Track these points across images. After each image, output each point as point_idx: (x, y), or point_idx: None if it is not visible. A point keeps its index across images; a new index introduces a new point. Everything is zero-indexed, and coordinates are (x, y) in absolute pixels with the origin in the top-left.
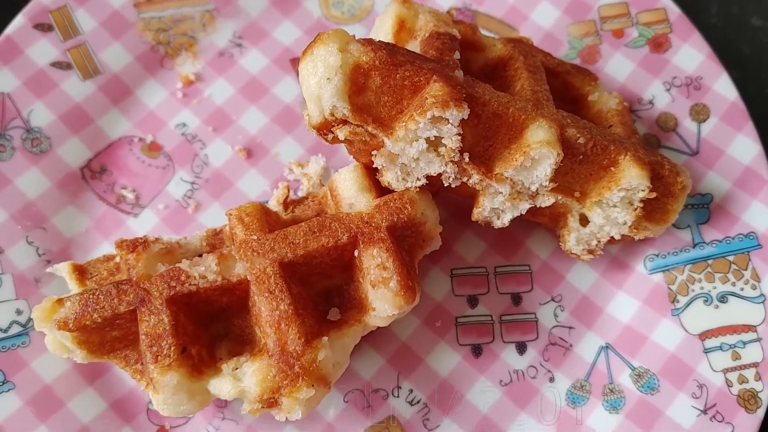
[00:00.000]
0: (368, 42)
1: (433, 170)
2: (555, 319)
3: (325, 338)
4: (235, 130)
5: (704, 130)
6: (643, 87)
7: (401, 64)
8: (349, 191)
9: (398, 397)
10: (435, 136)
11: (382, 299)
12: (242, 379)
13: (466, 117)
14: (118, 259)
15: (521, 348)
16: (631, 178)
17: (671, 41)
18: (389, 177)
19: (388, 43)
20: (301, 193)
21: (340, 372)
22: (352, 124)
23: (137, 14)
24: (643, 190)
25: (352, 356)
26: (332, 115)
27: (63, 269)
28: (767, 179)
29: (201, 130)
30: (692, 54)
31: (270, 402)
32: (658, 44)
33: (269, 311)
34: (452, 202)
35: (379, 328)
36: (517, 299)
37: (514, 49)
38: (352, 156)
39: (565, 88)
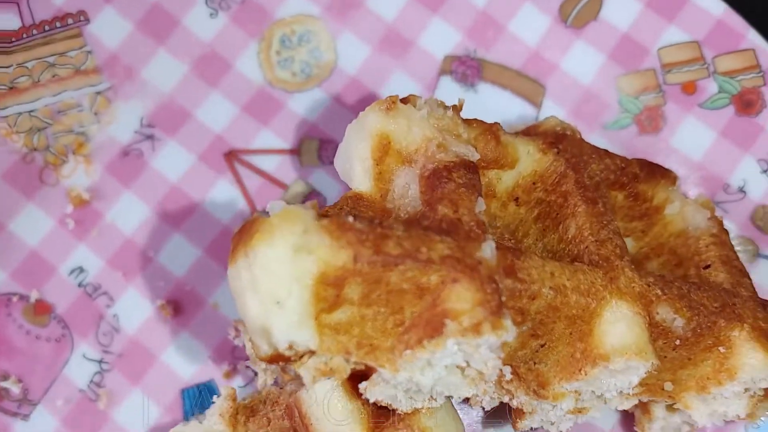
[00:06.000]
0: (338, 226)
1: (458, 394)
2: None
3: None
4: (155, 273)
5: None
6: (728, 167)
7: (397, 262)
8: (329, 423)
9: None
10: (463, 362)
11: None
12: None
13: (510, 339)
14: None
15: None
16: (753, 369)
17: (766, 98)
18: (386, 397)
19: (370, 220)
20: (258, 384)
21: None
22: (323, 355)
23: None
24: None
25: None
26: (291, 348)
27: None
28: None
29: (106, 276)
30: None
31: None
32: (748, 103)
33: None
34: None
35: None
36: None
37: (558, 160)
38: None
39: (634, 200)
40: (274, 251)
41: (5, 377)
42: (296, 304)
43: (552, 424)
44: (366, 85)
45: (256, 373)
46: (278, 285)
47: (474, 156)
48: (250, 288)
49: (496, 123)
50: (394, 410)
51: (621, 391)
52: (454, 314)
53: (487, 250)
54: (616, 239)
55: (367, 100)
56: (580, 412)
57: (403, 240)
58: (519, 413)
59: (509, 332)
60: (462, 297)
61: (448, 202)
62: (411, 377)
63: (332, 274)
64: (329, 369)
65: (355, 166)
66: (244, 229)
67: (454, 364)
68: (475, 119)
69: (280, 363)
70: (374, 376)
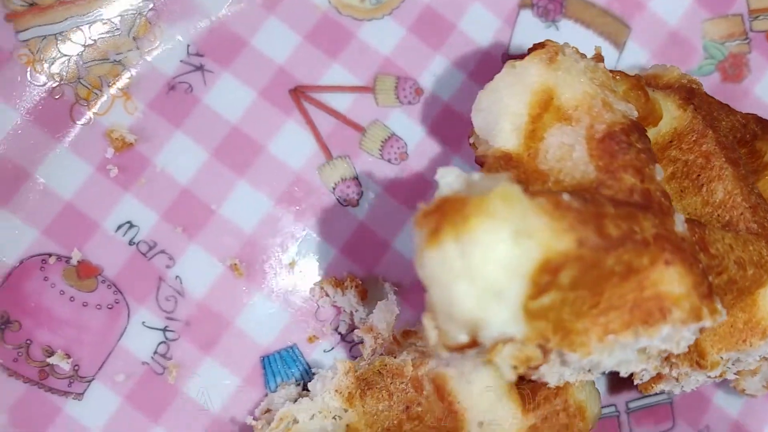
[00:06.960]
0: (556, 205)
1: (626, 370)
2: None
3: None
4: (220, 228)
5: None
6: None
7: (617, 245)
8: (482, 403)
9: None
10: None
11: None
12: None
13: (721, 321)
14: None
15: None
16: None
17: None
18: (547, 376)
19: (582, 197)
20: (365, 353)
21: None
22: (518, 343)
23: (14, 35)
24: None
25: None
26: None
27: None
28: None
29: (162, 232)
30: None
31: None
32: None
33: None
34: None
35: None
36: None
37: (696, 117)
38: None
39: (750, 157)
40: (496, 237)
41: (49, 352)
42: (516, 295)
43: (677, 384)
44: (442, 15)
45: (342, 336)
46: (500, 275)
47: (633, 114)
48: (464, 277)
49: (638, 75)
50: (543, 384)
51: (763, 357)
52: (671, 299)
53: (679, 224)
54: (764, 204)
55: (444, 33)
56: (720, 377)
57: (618, 220)
58: (653, 378)
59: (723, 315)
60: (676, 280)
61: (633, 170)
62: (597, 359)
63: (554, 260)
64: (525, 357)
65: (503, 122)
66: (448, 208)
67: (650, 346)
68: (619, 71)
69: (464, 351)
70: (552, 357)
